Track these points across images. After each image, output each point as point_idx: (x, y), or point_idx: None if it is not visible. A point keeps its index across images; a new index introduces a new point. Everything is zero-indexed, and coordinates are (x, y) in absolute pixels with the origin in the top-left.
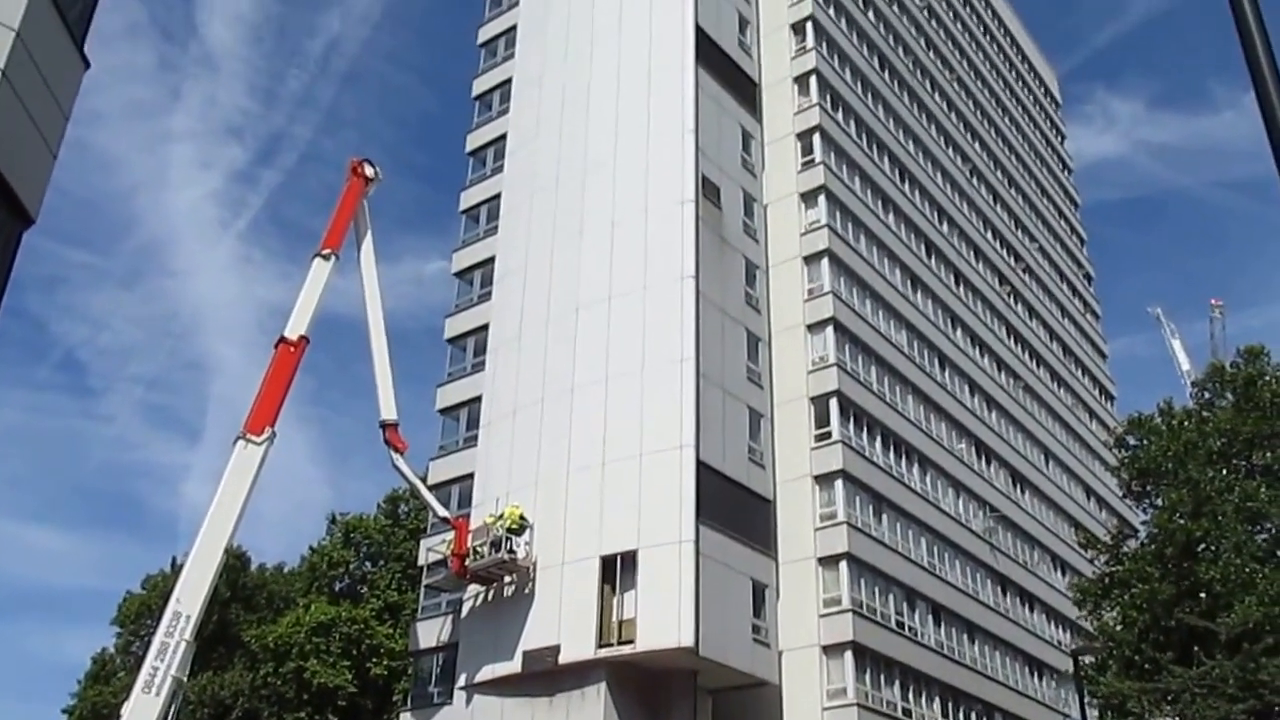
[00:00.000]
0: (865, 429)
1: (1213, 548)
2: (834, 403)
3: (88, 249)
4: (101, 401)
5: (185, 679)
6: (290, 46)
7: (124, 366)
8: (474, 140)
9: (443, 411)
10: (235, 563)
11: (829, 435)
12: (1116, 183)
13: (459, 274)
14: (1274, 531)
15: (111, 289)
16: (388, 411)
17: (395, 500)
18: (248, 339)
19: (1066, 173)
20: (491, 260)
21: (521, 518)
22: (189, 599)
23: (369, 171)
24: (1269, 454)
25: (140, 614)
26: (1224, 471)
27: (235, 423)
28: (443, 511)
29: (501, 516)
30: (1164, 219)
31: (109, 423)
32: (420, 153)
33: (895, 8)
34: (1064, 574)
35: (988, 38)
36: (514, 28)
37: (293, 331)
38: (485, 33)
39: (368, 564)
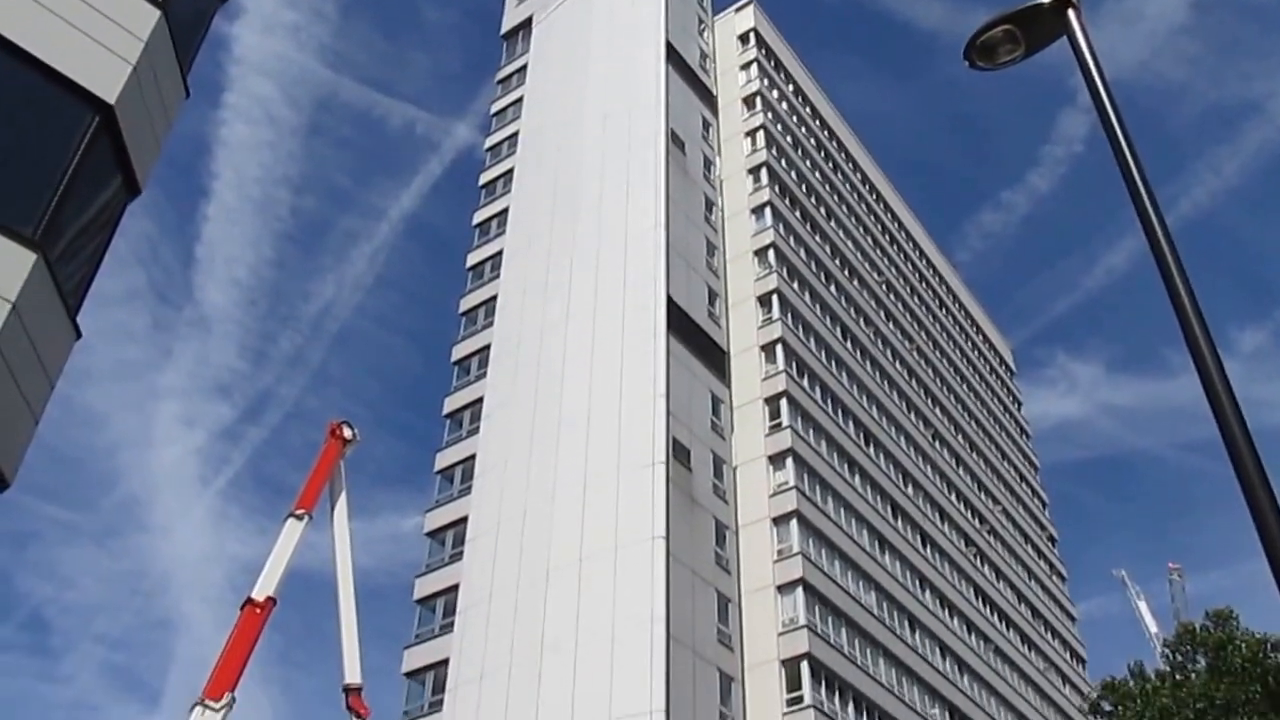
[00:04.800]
0: (837, 693)
1: None
2: (805, 666)
3: (64, 505)
4: (62, 662)
5: None
6: (284, 310)
7: (89, 625)
8: (451, 403)
9: (409, 674)
10: None
11: (801, 700)
12: (1081, 443)
13: (431, 534)
14: None
15: (84, 545)
16: (352, 675)
17: None
18: (217, 596)
19: (1025, 438)
20: (464, 520)
21: None
22: None
23: (347, 433)
24: None
25: None
26: None
27: (197, 684)
28: None
29: None
30: (1127, 479)
31: (67, 684)
32: (403, 412)
33: (856, 282)
34: None
35: (944, 311)
36: (494, 298)
37: (260, 593)
38: (466, 302)
39: None
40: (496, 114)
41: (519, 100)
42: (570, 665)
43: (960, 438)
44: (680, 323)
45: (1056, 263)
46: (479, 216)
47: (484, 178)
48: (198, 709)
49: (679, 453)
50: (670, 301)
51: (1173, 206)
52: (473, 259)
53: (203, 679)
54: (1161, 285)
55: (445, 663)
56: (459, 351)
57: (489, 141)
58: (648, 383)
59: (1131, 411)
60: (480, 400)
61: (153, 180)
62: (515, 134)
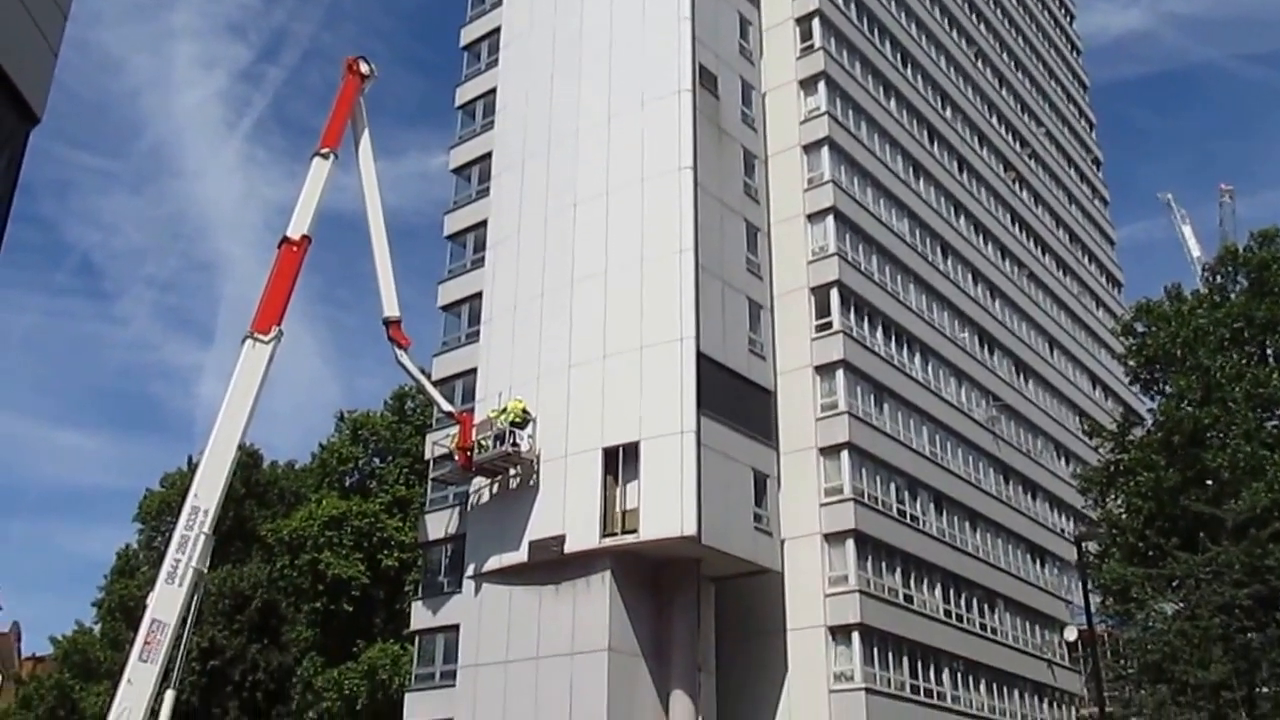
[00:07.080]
0: (866, 319)
1: (1221, 435)
2: (834, 293)
3: (96, 152)
4: (117, 305)
5: (206, 570)
6: None
7: (137, 269)
8: (468, 34)
9: (444, 308)
10: (249, 460)
11: (830, 325)
12: (1140, 58)
13: (456, 170)
14: None
15: (121, 192)
16: (390, 308)
17: (402, 397)
18: (256, 239)
19: (1075, 54)
20: (489, 156)
21: (524, 411)
22: (206, 494)
23: (364, 69)
24: None
25: (161, 510)
26: (1235, 358)
27: (246, 322)
28: (447, 406)
29: (505, 410)
30: (1187, 95)
31: (125, 325)
32: (422, 47)
33: None
34: (1068, 462)
35: None
36: None
37: (294, 231)
38: None
39: (376, 460)
40: None
41: None
42: (601, 295)
43: (1005, 55)
44: None
45: None
46: None
47: None
48: (248, 342)
49: (705, 79)
50: None
51: None
52: None
53: (250, 316)
54: None
55: (479, 296)
56: None
57: None
58: (671, 4)
59: (1199, 21)
60: (498, 30)
61: None
62: None
